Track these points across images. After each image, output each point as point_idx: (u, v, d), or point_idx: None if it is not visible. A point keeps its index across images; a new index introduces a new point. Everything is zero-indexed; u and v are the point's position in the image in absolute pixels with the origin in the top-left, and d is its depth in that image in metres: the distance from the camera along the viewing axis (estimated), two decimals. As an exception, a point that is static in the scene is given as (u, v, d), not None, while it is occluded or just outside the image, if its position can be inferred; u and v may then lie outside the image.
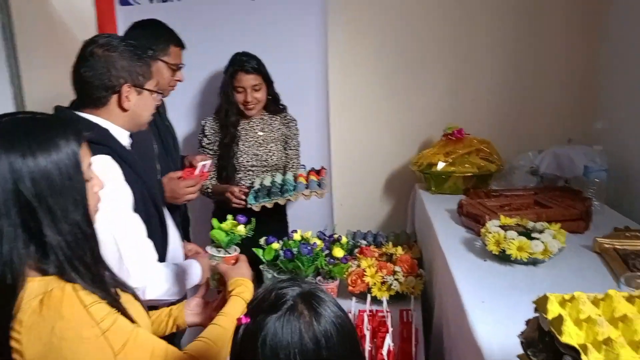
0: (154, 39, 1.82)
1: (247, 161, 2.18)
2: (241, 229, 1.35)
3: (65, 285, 0.86)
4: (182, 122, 2.50)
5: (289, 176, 2.09)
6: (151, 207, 1.41)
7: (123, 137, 1.40)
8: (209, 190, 2.18)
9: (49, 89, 2.96)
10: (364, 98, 2.51)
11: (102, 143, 1.29)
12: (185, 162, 2.05)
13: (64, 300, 0.84)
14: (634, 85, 1.96)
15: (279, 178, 2.11)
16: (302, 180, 2.06)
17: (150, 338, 0.97)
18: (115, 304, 0.92)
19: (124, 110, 1.37)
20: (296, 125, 2.27)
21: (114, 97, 1.35)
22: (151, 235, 1.36)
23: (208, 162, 1.93)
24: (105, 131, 1.34)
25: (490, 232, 1.41)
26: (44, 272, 0.87)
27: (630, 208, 1.85)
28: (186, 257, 1.61)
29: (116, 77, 1.33)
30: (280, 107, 2.26)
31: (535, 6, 2.34)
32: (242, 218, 1.37)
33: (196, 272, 1.43)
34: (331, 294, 0.79)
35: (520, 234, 1.41)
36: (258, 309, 0.76)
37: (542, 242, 1.33)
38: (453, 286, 1.32)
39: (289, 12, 2.42)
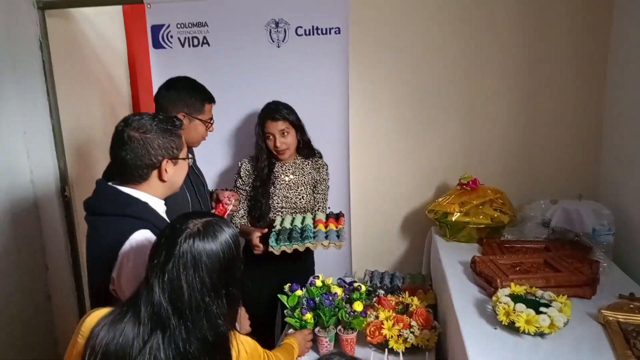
0: (190, 98, 1.97)
1: (278, 203, 2.30)
2: (308, 316, 1.84)
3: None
4: (216, 160, 2.66)
5: (309, 220, 2.19)
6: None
7: (160, 207, 1.52)
8: (237, 230, 2.31)
9: (83, 119, 3.14)
10: (383, 141, 2.62)
11: (143, 218, 1.42)
12: (214, 195, 2.21)
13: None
14: (639, 145, 2.05)
15: (298, 220, 2.21)
16: (321, 227, 2.14)
17: None
18: None
19: (163, 181, 1.49)
20: (327, 170, 2.39)
21: (154, 172, 1.46)
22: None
23: (229, 208, 2.08)
24: (145, 205, 1.46)
25: (500, 302, 1.52)
26: None
27: (635, 267, 1.95)
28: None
29: (155, 155, 1.44)
30: (313, 151, 2.37)
31: (545, 59, 2.43)
32: (304, 310, 1.85)
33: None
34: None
35: (529, 301, 1.52)
36: None
37: (549, 316, 1.44)
38: (464, 352, 1.43)
39: (312, 57, 2.52)
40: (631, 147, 2.12)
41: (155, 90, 2.64)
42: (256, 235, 2.17)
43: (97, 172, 3.09)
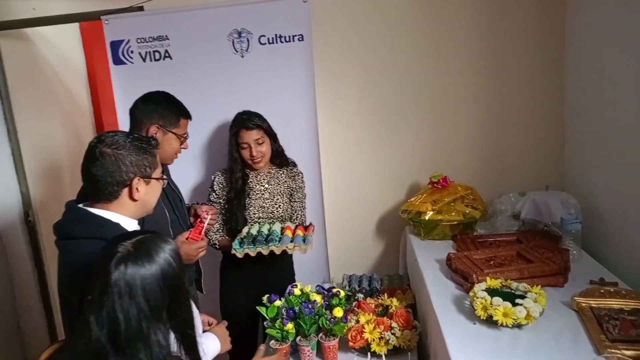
0: (167, 112, 1.94)
1: (254, 213, 2.28)
2: (289, 326, 1.82)
3: None
4: (188, 175, 2.62)
5: (276, 227, 2.18)
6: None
7: (133, 228, 1.49)
8: (217, 245, 2.29)
9: (45, 141, 3.05)
10: (352, 146, 2.64)
11: None
12: (191, 210, 2.17)
13: None
14: (598, 135, 2.12)
15: (265, 227, 2.19)
16: (288, 233, 2.14)
17: None
18: None
19: (134, 200, 1.46)
20: (302, 178, 2.38)
21: (125, 190, 1.42)
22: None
23: (206, 222, 2.04)
24: (117, 226, 1.41)
25: (478, 297, 1.54)
26: None
27: (603, 252, 2.01)
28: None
29: (126, 172, 1.40)
30: (287, 160, 2.36)
31: (507, 60, 2.50)
32: (285, 320, 1.83)
33: (215, 344, 1.56)
34: None
35: (505, 294, 1.55)
36: None
37: (525, 307, 1.47)
38: (445, 350, 1.44)
39: (277, 65, 2.52)
40: (592, 138, 2.20)
41: (117, 107, 2.60)
42: None
43: (63, 194, 3.02)
